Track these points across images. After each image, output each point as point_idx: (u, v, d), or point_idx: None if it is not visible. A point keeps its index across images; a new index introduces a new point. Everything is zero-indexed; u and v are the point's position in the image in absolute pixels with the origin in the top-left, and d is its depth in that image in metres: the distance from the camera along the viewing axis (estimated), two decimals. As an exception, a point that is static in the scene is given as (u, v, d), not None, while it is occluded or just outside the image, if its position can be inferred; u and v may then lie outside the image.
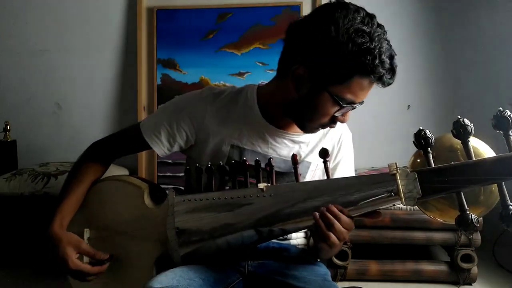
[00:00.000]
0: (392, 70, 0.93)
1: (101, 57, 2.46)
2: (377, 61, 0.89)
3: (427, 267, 1.91)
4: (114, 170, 2.07)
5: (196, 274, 0.96)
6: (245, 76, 2.36)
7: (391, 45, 0.94)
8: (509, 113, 0.79)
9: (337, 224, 0.85)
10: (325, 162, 0.94)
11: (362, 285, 1.84)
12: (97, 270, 1.03)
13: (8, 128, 2.30)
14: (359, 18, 0.90)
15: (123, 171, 2.22)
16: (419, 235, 1.88)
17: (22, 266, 2.00)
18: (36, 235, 1.87)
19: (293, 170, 1.05)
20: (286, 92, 1.01)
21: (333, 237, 0.86)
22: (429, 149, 0.84)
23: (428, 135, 0.84)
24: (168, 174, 2.34)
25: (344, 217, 0.86)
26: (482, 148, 0.86)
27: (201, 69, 2.39)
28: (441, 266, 1.92)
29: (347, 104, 0.95)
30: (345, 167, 1.15)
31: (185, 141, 1.10)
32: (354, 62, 0.90)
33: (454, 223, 0.82)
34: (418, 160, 0.90)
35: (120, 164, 2.24)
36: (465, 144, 0.81)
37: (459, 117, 0.81)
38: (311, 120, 1.01)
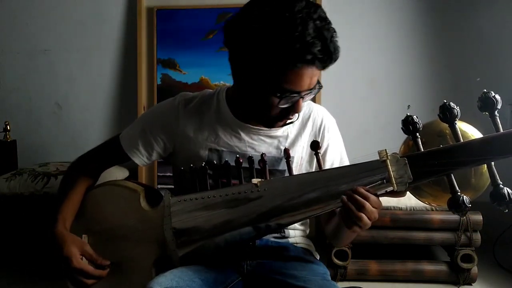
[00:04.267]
0: (324, 52, 0.89)
1: (101, 57, 2.46)
2: (298, 45, 0.86)
3: (427, 267, 1.91)
4: (115, 171, 2.07)
5: (195, 274, 0.97)
6: (245, 76, 2.36)
7: (324, 25, 0.89)
8: (493, 94, 0.79)
9: (367, 204, 0.85)
10: (316, 154, 0.94)
11: (362, 285, 1.84)
12: (99, 274, 1.03)
13: (8, 128, 2.30)
14: (278, 6, 0.89)
15: (123, 172, 2.22)
16: (419, 235, 1.88)
17: (22, 266, 2.00)
18: (36, 235, 1.87)
19: (275, 167, 1.08)
20: (238, 92, 1.03)
21: (365, 217, 0.85)
22: (417, 134, 0.85)
23: (415, 121, 0.84)
24: (168, 174, 2.34)
25: (372, 196, 0.86)
26: (470, 132, 0.87)
27: (201, 69, 2.39)
28: (441, 266, 1.92)
29: (292, 94, 0.93)
30: (333, 152, 1.14)
31: (163, 149, 1.12)
32: (277, 52, 0.88)
33: (446, 206, 0.83)
34: (408, 147, 0.90)
35: (120, 164, 2.23)
36: (452, 126, 0.82)
37: (445, 101, 0.82)
38: (262, 115, 1.02)
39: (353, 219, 0.86)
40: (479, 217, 1.85)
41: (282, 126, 1.06)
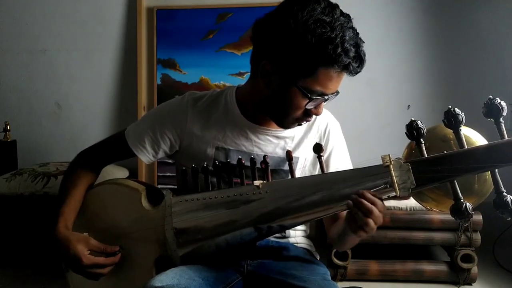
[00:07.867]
0: (358, 58, 0.93)
1: (101, 57, 2.46)
2: (339, 50, 0.89)
3: (427, 267, 1.91)
4: (114, 171, 2.07)
5: (196, 273, 0.97)
6: (245, 76, 2.36)
7: (357, 33, 0.93)
8: (499, 100, 0.79)
9: (375, 209, 0.84)
10: (319, 157, 0.94)
11: (362, 285, 1.84)
12: (112, 261, 1.03)
13: (8, 128, 2.30)
14: (318, 9, 0.91)
15: (123, 172, 2.22)
16: (419, 235, 1.88)
17: (22, 266, 2.00)
18: (36, 235, 1.87)
19: (281, 167, 1.08)
20: (259, 90, 1.02)
21: (371, 222, 0.84)
22: (421, 139, 0.84)
23: (420, 126, 0.84)
24: (168, 174, 2.34)
25: (379, 201, 0.85)
26: (474, 137, 0.87)
27: (201, 69, 2.39)
28: (441, 266, 1.92)
29: (317, 96, 0.95)
30: (338, 157, 1.15)
31: (169, 147, 1.12)
32: (316, 53, 0.90)
33: (449, 212, 0.82)
34: (411, 152, 0.90)
35: (120, 164, 2.24)
36: (457, 133, 0.82)
37: (450, 106, 0.82)
38: (284, 115, 1.02)
39: (359, 224, 0.85)
40: (479, 217, 1.85)
41: (293, 126, 1.07)
